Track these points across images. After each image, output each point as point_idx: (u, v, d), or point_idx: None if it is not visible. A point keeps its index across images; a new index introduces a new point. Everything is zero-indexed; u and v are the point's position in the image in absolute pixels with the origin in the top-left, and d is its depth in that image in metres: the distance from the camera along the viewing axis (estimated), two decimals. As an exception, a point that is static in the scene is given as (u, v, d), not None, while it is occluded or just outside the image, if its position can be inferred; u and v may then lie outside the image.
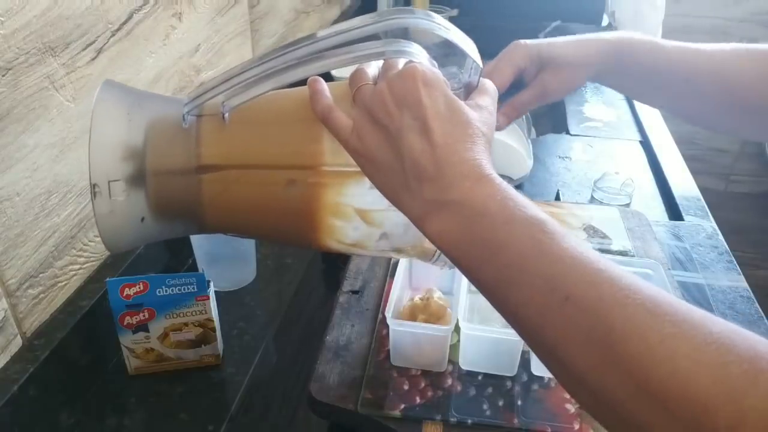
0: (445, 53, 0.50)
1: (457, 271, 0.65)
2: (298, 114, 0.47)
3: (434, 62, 0.46)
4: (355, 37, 0.44)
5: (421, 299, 0.64)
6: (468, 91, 0.48)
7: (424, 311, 0.63)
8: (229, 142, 0.47)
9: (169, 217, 0.48)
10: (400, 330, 0.58)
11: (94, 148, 0.45)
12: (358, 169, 0.45)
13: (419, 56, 0.44)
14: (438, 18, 0.46)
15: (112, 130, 0.45)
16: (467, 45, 0.47)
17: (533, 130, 1.20)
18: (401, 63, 0.45)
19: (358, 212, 0.48)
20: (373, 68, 0.46)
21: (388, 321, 0.58)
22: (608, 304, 0.33)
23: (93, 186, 0.44)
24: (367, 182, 0.45)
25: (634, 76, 0.71)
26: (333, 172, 0.47)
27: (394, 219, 0.47)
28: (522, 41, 0.70)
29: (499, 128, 0.70)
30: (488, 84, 0.48)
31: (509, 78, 0.69)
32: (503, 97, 0.69)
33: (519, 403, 0.56)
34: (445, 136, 0.40)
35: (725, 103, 0.68)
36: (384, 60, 0.45)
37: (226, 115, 0.47)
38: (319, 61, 0.44)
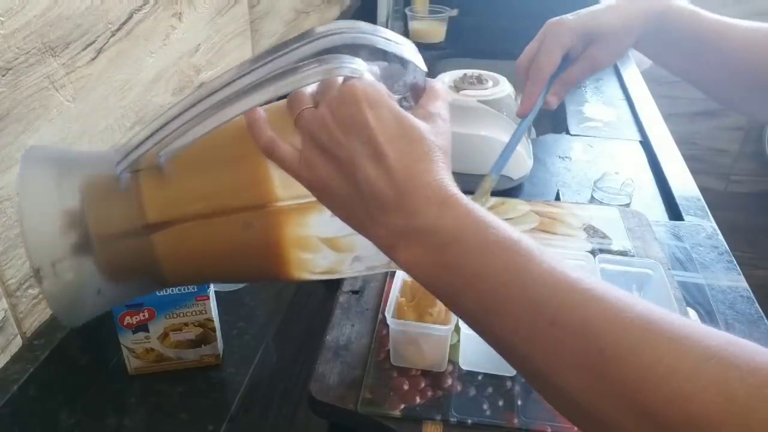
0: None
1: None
2: (239, 150, 0.44)
3: (375, 68, 0.42)
4: (290, 61, 0.40)
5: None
6: (416, 93, 0.45)
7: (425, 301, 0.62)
8: (172, 195, 0.44)
9: (126, 281, 0.45)
10: (400, 330, 0.58)
11: (29, 226, 0.41)
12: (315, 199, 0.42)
13: (358, 69, 0.40)
14: (370, 28, 0.42)
15: (45, 202, 0.42)
16: (408, 50, 0.43)
17: (533, 130, 1.20)
18: (340, 80, 0.40)
19: (324, 242, 0.45)
20: (312, 87, 0.42)
21: (388, 321, 0.58)
22: (597, 325, 0.32)
23: (36, 271, 0.40)
24: (327, 211, 0.42)
25: (670, 43, 0.71)
26: (289, 207, 0.44)
27: (363, 242, 0.42)
28: (560, 19, 0.70)
29: (549, 107, 0.71)
30: (437, 86, 0.45)
31: (558, 58, 0.69)
32: (553, 76, 0.70)
33: (519, 403, 0.56)
34: (401, 159, 0.37)
35: (750, 80, 0.68)
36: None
37: (163, 166, 0.43)
38: (252, 94, 0.39)
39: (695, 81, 0.76)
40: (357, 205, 0.39)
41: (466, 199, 0.37)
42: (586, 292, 0.33)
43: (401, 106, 0.40)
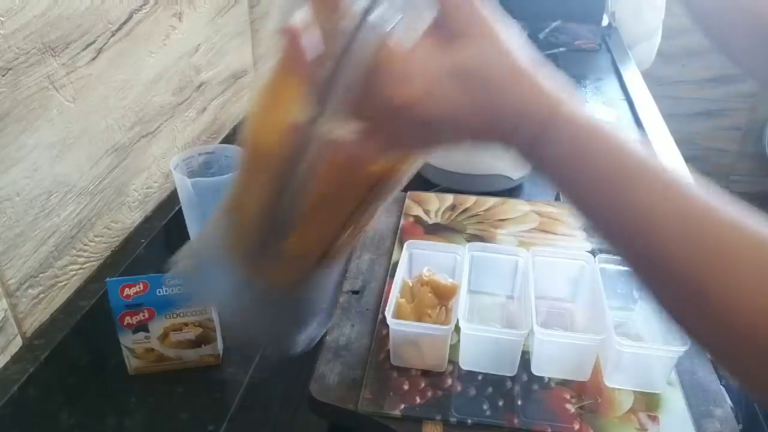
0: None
1: (456, 272, 0.65)
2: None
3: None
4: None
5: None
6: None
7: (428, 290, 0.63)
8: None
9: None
10: (400, 330, 0.58)
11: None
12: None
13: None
14: None
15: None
16: None
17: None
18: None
19: None
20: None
21: (388, 321, 0.58)
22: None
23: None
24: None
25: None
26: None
27: None
28: None
29: None
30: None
31: None
32: None
33: (519, 403, 0.56)
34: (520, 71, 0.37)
35: (758, 35, 0.64)
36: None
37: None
38: None
39: (712, 32, 0.69)
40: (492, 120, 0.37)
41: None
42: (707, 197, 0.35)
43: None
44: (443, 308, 0.62)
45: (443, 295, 0.62)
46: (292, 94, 0.38)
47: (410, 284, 0.64)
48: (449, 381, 0.59)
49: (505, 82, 0.36)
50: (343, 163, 0.40)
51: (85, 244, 0.70)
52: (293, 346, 0.49)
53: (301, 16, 0.37)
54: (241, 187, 0.46)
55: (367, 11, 0.35)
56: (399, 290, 0.62)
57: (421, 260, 0.67)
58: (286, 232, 0.43)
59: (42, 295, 0.64)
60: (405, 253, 0.67)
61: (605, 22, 1.72)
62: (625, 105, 1.41)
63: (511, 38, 0.37)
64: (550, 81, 0.37)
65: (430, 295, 0.62)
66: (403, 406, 0.56)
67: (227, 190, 0.47)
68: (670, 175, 0.37)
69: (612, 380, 0.58)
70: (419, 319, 0.61)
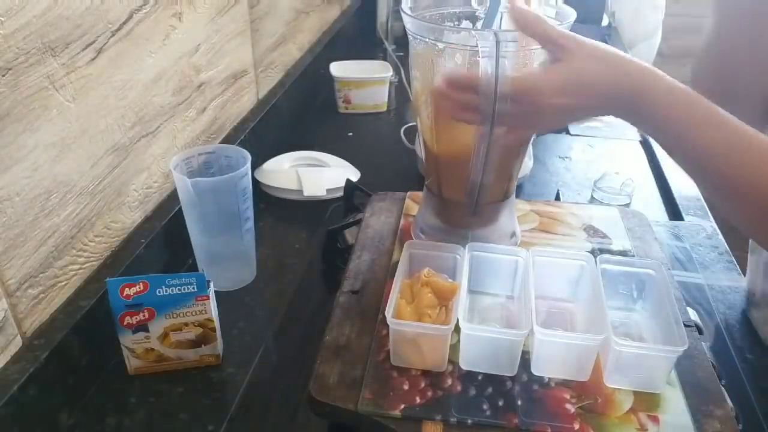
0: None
1: (456, 272, 0.65)
2: None
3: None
4: None
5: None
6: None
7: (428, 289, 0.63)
8: None
9: None
10: (399, 330, 0.58)
11: None
12: None
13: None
14: None
15: None
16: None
17: (533, 130, 1.20)
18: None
19: None
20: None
21: (388, 321, 0.58)
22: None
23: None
24: None
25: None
26: None
27: None
28: None
29: None
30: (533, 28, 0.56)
31: None
32: None
33: (519, 403, 0.56)
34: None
35: None
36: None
37: None
38: None
39: None
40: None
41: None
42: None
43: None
44: (443, 308, 0.62)
45: (443, 296, 0.62)
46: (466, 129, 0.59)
47: (410, 284, 0.64)
48: (449, 381, 0.59)
49: (598, 75, 0.55)
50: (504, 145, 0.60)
51: (85, 244, 0.70)
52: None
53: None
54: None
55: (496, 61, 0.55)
56: (399, 290, 0.62)
57: (420, 261, 0.67)
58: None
59: (42, 295, 0.64)
60: (405, 253, 0.67)
61: (605, 22, 1.72)
62: (625, 105, 1.41)
63: (586, 44, 0.55)
64: (629, 61, 0.55)
65: (429, 295, 0.62)
66: (403, 406, 0.56)
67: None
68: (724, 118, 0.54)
69: (612, 380, 0.58)
70: (419, 319, 0.61)
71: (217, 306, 0.70)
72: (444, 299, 0.62)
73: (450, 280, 0.64)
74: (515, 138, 0.60)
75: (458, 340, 0.60)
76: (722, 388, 0.58)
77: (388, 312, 0.58)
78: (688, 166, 0.57)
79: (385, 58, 1.59)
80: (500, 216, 0.73)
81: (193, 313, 0.67)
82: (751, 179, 0.53)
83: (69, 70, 0.64)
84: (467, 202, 0.66)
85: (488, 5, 0.64)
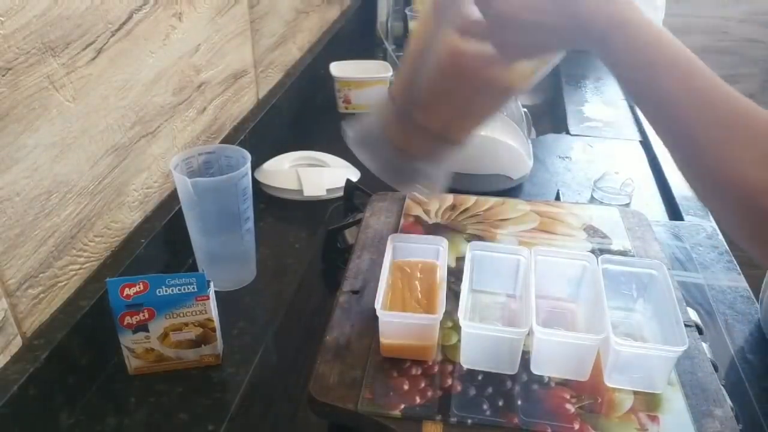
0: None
1: (440, 263, 0.65)
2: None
3: None
4: None
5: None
6: None
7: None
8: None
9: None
10: (387, 321, 0.59)
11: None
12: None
13: None
14: None
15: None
16: None
17: (533, 130, 1.20)
18: None
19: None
20: None
21: (378, 313, 0.58)
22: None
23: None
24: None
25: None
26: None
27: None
28: None
29: None
30: None
31: None
32: None
33: (519, 403, 0.56)
34: None
35: None
36: None
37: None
38: None
39: None
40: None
41: None
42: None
43: None
44: (431, 298, 0.63)
45: (427, 279, 0.63)
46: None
47: (399, 276, 0.66)
48: (449, 381, 0.59)
49: None
50: (461, 64, 0.54)
51: (85, 244, 0.70)
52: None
53: None
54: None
55: None
56: (386, 281, 0.63)
57: (404, 253, 0.68)
58: (418, 103, 0.59)
59: (42, 295, 0.64)
60: (389, 246, 0.67)
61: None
62: (624, 105, 1.41)
63: None
64: None
65: (416, 283, 0.63)
66: (403, 406, 0.56)
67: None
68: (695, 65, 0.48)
69: (612, 380, 0.58)
70: (407, 310, 0.62)
71: (217, 306, 0.70)
72: (428, 283, 0.64)
73: (430, 261, 0.67)
74: (489, 73, 0.54)
75: (458, 340, 0.60)
76: (722, 388, 0.58)
77: (377, 304, 0.58)
78: (654, 117, 0.52)
79: (385, 58, 1.59)
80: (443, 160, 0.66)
81: (193, 313, 0.67)
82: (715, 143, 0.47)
83: (69, 70, 0.64)
84: (395, 105, 0.62)
85: None
